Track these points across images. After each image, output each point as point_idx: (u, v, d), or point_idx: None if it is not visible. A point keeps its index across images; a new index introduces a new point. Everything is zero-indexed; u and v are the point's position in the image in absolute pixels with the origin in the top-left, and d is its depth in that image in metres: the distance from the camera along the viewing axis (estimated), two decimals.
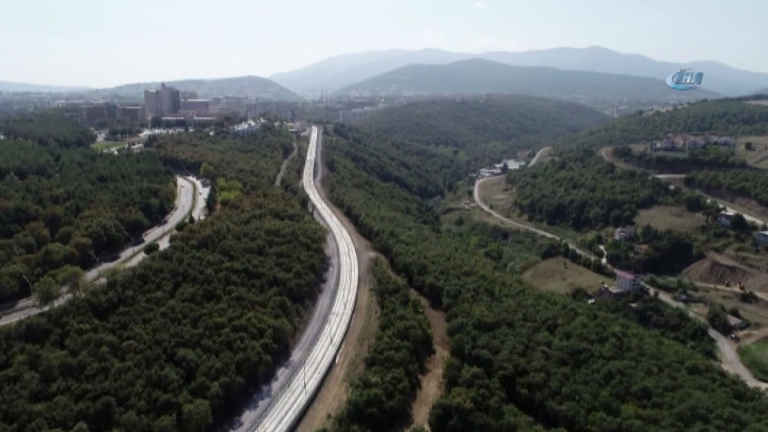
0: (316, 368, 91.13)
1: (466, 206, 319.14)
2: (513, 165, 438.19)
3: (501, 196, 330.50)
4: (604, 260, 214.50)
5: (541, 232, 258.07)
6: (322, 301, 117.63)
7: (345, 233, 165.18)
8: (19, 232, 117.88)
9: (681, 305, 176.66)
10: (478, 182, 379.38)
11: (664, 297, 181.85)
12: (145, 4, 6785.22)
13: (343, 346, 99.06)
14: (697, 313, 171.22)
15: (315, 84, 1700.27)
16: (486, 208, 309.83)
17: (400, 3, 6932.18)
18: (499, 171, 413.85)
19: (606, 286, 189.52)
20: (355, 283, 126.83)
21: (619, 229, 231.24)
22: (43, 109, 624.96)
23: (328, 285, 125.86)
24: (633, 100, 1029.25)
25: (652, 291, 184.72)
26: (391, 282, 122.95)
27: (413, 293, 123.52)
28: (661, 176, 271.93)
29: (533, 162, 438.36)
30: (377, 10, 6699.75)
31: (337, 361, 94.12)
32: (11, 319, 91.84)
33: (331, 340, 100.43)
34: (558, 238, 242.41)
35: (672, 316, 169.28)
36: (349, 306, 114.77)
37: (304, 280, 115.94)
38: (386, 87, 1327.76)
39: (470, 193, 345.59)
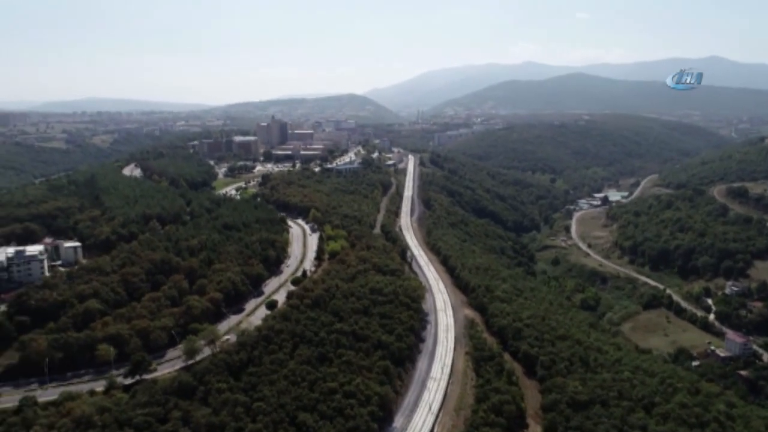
0: None
1: (563, 243, 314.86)
2: (614, 196, 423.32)
3: (600, 233, 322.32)
4: (711, 316, 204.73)
5: (642, 279, 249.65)
6: (421, 364, 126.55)
7: (441, 285, 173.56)
8: (164, 284, 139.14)
9: None
10: (575, 215, 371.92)
11: None
12: (243, 25, 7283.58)
13: (440, 415, 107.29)
14: None
15: (411, 99, 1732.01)
16: (584, 247, 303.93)
17: (498, 16, 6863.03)
18: (599, 202, 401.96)
19: (713, 348, 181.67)
20: (451, 344, 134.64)
21: (730, 282, 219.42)
22: (168, 132, 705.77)
23: (426, 346, 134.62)
24: (755, 116, 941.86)
25: (765, 357, 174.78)
26: (486, 348, 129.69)
27: (508, 359, 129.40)
28: None
29: (636, 193, 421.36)
30: (474, 24, 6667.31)
31: (435, 431, 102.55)
32: (163, 369, 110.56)
33: (430, 407, 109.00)
34: (661, 287, 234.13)
35: None
36: (446, 371, 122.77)
37: (405, 344, 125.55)
38: (482, 104, 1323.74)
39: (567, 229, 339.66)
